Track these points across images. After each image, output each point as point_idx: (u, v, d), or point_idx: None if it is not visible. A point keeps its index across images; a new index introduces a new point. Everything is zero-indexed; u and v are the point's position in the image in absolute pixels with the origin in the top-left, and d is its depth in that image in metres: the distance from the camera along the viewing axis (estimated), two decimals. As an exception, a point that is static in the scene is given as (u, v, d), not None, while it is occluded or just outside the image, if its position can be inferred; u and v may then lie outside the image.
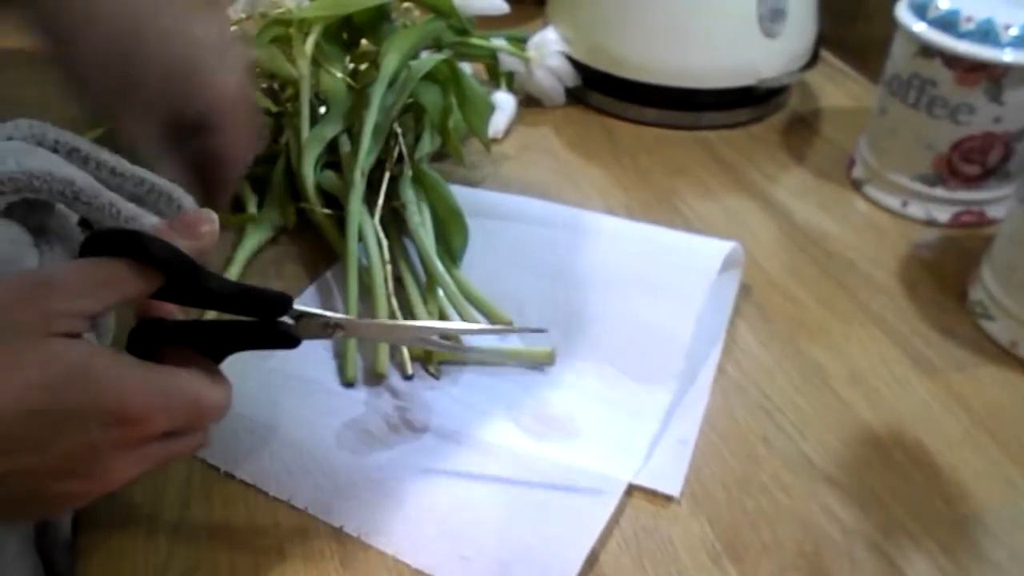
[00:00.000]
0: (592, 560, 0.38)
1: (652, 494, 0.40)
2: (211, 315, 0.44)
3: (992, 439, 0.44)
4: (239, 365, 0.35)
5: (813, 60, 0.70)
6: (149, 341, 0.34)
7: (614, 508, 0.39)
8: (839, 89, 0.73)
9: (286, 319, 0.36)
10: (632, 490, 0.40)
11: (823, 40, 0.71)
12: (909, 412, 0.45)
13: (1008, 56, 0.50)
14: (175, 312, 0.36)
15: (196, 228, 0.34)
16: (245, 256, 0.52)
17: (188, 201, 0.39)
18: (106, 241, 0.31)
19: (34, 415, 0.28)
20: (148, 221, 0.37)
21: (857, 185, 0.61)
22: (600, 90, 0.69)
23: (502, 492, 0.40)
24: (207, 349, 0.35)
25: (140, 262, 0.31)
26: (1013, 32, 0.50)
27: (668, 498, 0.40)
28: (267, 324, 0.35)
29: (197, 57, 0.41)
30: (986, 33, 0.51)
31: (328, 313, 0.37)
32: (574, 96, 0.70)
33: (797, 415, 0.45)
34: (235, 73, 0.42)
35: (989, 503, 0.41)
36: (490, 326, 0.46)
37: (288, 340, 0.36)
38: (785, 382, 0.47)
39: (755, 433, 0.44)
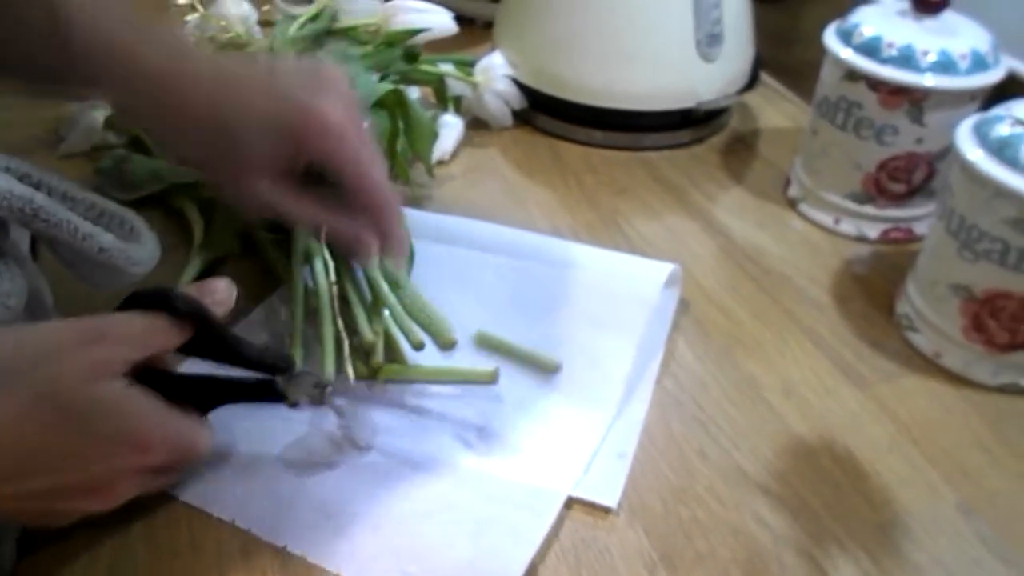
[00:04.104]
0: (532, 572, 0.39)
1: (591, 506, 0.42)
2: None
3: (916, 446, 0.46)
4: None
5: (752, 82, 0.72)
6: (153, 388, 0.37)
7: (553, 521, 0.40)
8: (777, 110, 0.76)
9: (279, 379, 0.40)
10: (571, 503, 0.42)
11: (762, 63, 0.73)
12: (838, 422, 0.47)
13: (927, 81, 0.53)
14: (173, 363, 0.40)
15: (216, 292, 0.39)
16: (190, 279, 0.52)
17: (140, 223, 0.40)
18: (145, 298, 0.37)
19: (73, 442, 0.34)
20: (105, 239, 0.38)
21: (793, 203, 0.63)
22: (547, 112, 0.70)
23: (445, 508, 0.41)
24: (201, 399, 0.39)
25: (173, 317, 0.37)
26: (931, 58, 0.53)
27: (606, 510, 0.41)
28: (263, 383, 0.40)
29: (286, 104, 0.41)
30: (907, 59, 0.53)
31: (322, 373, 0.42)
32: (521, 118, 0.72)
33: (732, 427, 0.46)
34: (330, 99, 0.41)
35: (912, 508, 0.42)
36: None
37: (281, 399, 0.40)
38: (721, 395, 0.48)
39: (691, 445, 0.45)
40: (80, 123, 0.65)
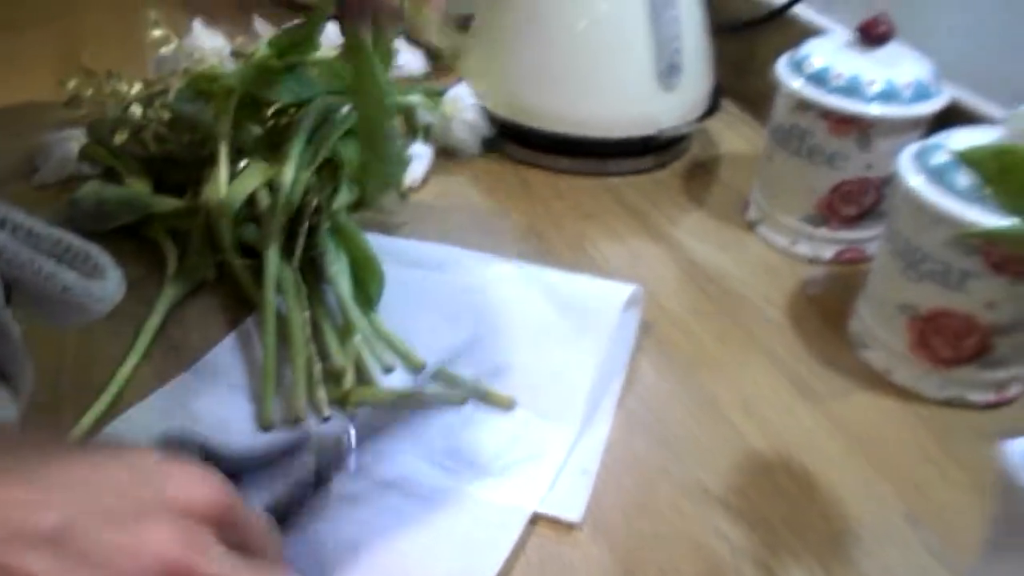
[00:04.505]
0: (499, 587, 0.40)
1: (556, 522, 0.43)
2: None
3: (867, 460, 0.48)
4: (161, 409, 0.37)
5: (712, 110, 0.75)
6: None
7: (518, 536, 0.41)
8: (737, 136, 0.78)
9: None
10: (537, 519, 0.43)
11: (721, 91, 0.76)
12: (794, 438, 0.49)
13: (873, 110, 0.56)
14: None
15: None
16: (165, 308, 0.54)
17: (104, 259, 0.41)
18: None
19: None
20: (68, 278, 0.38)
21: (751, 226, 0.66)
22: (515, 141, 0.73)
23: (414, 525, 0.42)
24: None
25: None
26: (877, 88, 0.56)
27: (571, 525, 0.43)
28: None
29: None
30: (854, 89, 0.56)
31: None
32: (490, 147, 0.74)
33: (693, 444, 0.48)
34: None
35: (863, 519, 0.44)
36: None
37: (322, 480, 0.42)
38: (683, 413, 0.50)
39: (654, 462, 0.47)
40: (54, 153, 0.66)
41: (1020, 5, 0.58)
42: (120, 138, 0.62)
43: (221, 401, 0.46)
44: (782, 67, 0.60)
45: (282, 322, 0.51)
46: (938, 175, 0.47)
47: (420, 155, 0.69)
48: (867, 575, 0.42)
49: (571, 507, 0.43)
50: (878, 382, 0.53)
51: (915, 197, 0.47)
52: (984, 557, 0.31)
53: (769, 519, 0.44)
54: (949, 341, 0.49)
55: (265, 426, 0.47)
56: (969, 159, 0.33)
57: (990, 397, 0.51)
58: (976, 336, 0.49)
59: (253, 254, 0.55)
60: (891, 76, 0.56)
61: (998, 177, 0.34)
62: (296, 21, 0.59)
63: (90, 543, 0.27)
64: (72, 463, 0.29)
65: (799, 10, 0.75)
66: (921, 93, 0.56)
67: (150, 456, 0.31)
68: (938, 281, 0.48)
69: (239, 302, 0.55)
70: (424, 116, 0.71)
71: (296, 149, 0.56)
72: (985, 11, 0.61)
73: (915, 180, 0.48)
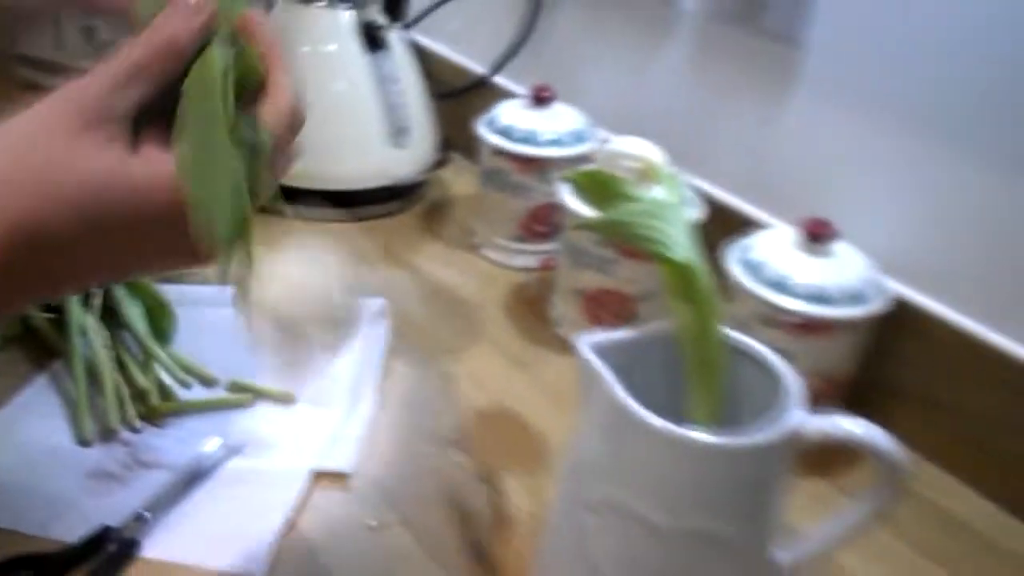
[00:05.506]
0: (290, 529, 0.53)
1: (334, 475, 0.57)
2: None
3: (558, 404, 0.65)
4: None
5: (443, 161, 0.93)
6: None
7: (301, 491, 0.55)
8: (463, 180, 0.97)
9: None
10: (319, 477, 0.56)
11: (449, 144, 0.94)
12: (509, 396, 0.66)
13: (548, 152, 0.75)
14: None
15: None
16: (-22, 362, 0.62)
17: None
18: None
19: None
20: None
21: (476, 248, 0.84)
22: (286, 198, 0.86)
23: (220, 496, 0.54)
24: None
25: None
26: (548, 137, 0.76)
27: (345, 476, 0.57)
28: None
29: None
30: (532, 138, 0.76)
31: None
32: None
33: (435, 409, 0.64)
34: None
35: (553, 441, 0.62)
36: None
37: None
38: (427, 389, 0.66)
39: (406, 424, 0.62)
40: None
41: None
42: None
43: (41, 422, 0.55)
44: (481, 125, 0.79)
45: (88, 364, 0.61)
46: (579, 191, 0.66)
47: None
48: (556, 472, 0.59)
49: (344, 463, 0.57)
50: (568, 349, 0.71)
51: (568, 210, 0.67)
52: (580, 428, 0.46)
53: (492, 451, 0.60)
54: (610, 311, 0.69)
55: (83, 441, 0.57)
56: (575, 180, 0.50)
57: (645, 349, 0.71)
58: (626, 304, 0.69)
59: (52, 308, 0.65)
60: (557, 128, 0.76)
61: (591, 190, 0.52)
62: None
63: None
64: None
65: (497, 79, 0.95)
66: (579, 137, 0.77)
67: None
68: (595, 269, 0.68)
69: (46, 352, 0.64)
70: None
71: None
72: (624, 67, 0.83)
73: (568, 199, 0.67)
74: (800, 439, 0.39)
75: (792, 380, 0.41)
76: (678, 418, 0.40)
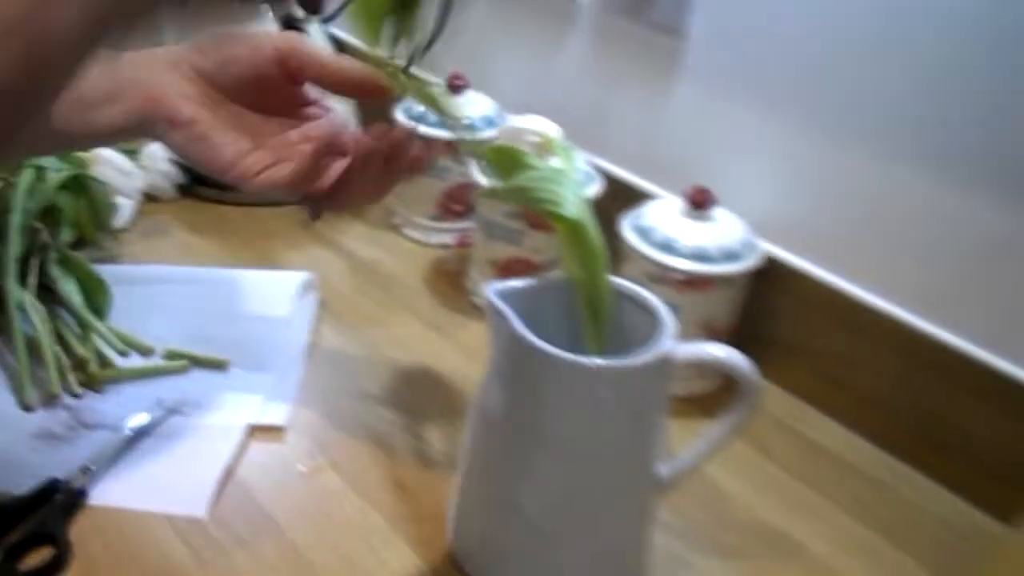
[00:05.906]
0: (229, 477, 0.57)
1: (269, 429, 0.62)
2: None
3: (473, 364, 0.71)
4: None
5: (363, 148, 0.98)
6: None
7: (237, 444, 0.59)
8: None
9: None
10: (255, 431, 0.61)
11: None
12: (430, 358, 0.72)
13: (441, 133, 0.81)
14: None
15: None
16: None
17: None
18: None
19: None
20: None
21: (398, 228, 0.89)
22: (203, 183, 0.90)
23: (162, 449, 0.58)
24: None
25: None
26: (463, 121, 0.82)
27: (280, 428, 0.62)
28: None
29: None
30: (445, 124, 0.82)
31: None
32: (186, 191, 0.90)
33: (362, 370, 0.69)
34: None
35: (469, 393, 0.66)
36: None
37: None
38: (354, 354, 0.71)
39: (336, 384, 0.67)
40: None
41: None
42: None
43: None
44: (398, 112, 0.85)
45: (28, 338, 0.64)
46: (486, 169, 0.73)
47: (126, 202, 0.84)
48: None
49: (278, 418, 0.62)
50: (483, 315, 0.77)
51: (481, 186, 0.73)
52: (488, 368, 0.53)
53: (415, 405, 0.66)
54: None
55: (26, 407, 0.60)
56: (483, 154, 0.57)
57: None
58: (535, 272, 0.75)
59: (-8, 289, 0.68)
60: (470, 113, 0.82)
61: (497, 162, 0.58)
62: None
63: None
64: None
65: (413, 70, 1.01)
66: (490, 121, 0.83)
67: None
68: (506, 240, 0.74)
69: (-17, 328, 0.67)
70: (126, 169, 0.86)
71: (18, 201, 0.70)
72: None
73: (479, 177, 0.74)
74: (673, 361, 0.47)
75: (666, 315, 0.48)
76: (574, 353, 0.46)
